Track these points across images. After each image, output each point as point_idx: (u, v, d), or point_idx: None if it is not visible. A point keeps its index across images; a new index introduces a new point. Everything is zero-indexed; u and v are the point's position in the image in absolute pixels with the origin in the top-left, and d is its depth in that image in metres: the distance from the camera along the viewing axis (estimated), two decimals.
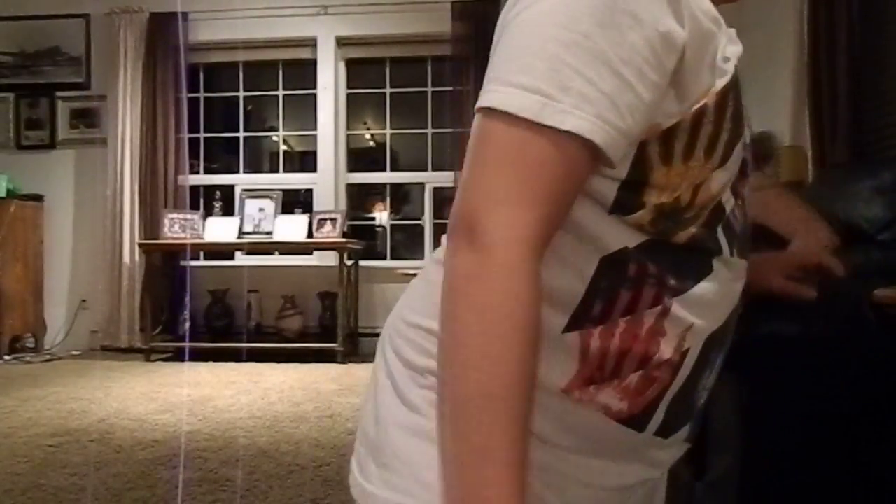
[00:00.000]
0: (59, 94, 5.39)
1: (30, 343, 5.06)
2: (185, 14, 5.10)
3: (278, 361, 4.48)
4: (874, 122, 3.00)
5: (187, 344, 4.65)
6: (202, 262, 5.32)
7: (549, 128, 0.56)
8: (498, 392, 0.56)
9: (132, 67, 5.15)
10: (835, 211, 2.16)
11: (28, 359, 4.77)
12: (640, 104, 0.58)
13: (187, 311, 4.97)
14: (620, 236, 0.63)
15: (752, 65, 4.59)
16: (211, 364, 4.43)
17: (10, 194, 4.98)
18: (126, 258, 5.09)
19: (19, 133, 5.43)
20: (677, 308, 0.64)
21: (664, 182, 0.63)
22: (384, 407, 0.70)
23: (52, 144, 5.40)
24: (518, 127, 0.57)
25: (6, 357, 4.76)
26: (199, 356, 4.59)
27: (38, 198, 5.23)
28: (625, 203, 0.63)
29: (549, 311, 0.62)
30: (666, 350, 0.64)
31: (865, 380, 1.24)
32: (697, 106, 0.62)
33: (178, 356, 4.73)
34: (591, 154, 0.58)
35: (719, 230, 0.67)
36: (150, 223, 5.09)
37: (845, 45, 3.02)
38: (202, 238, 4.90)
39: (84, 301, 5.31)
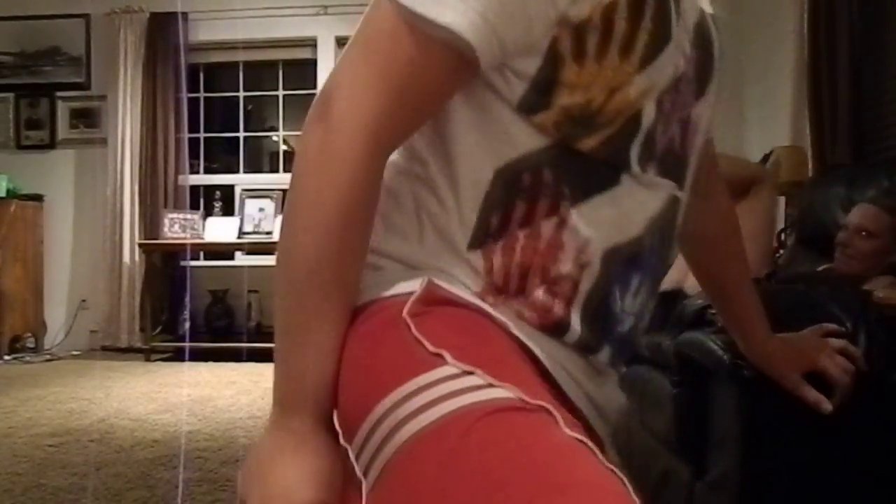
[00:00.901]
0: (59, 94, 5.39)
1: (30, 343, 5.06)
2: (185, 14, 5.10)
3: None
4: (874, 122, 3.00)
5: (187, 344, 4.65)
6: (202, 262, 5.32)
7: (427, 21, 0.57)
8: (312, 267, 0.61)
9: (132, 67, 5.14)
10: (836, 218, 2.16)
11: (28, 359, 4.77)
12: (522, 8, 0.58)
13: (187, 311, 4.97)
14: (524, 138, 0.63)
15: (752, 65, 4.60)
16: (211, 364, 4.43)
17: (10, 194, 4.98)
18: (126, 258, 5.09)
19: (19, 133, 5.43)
20: (576, 219, 0.64)
21: (575, 81, 0.61)
22: None
23: (52, 144, 5.40)
24: (399, 17, 0.58)
25: (6, 357, 4.75)
26: (199, 356, 4.58)
27: (38, 198, 5.23)
28: (531, 102, 0.62)
29: (455, 228, 0.65)
30: (565, 264, 0.64)
31: (866, 382, 1.24)
32: (607, 0, 0.60)
33: (178, 356, 4.73)
34: (460, 57, 0.59)
35: (635, 144, 0.64)
36: (150, 223, 5.09)
37: (846, 45, 3.02)
38: (202, 238, 4.89)
39: (84, 301, 5.31)
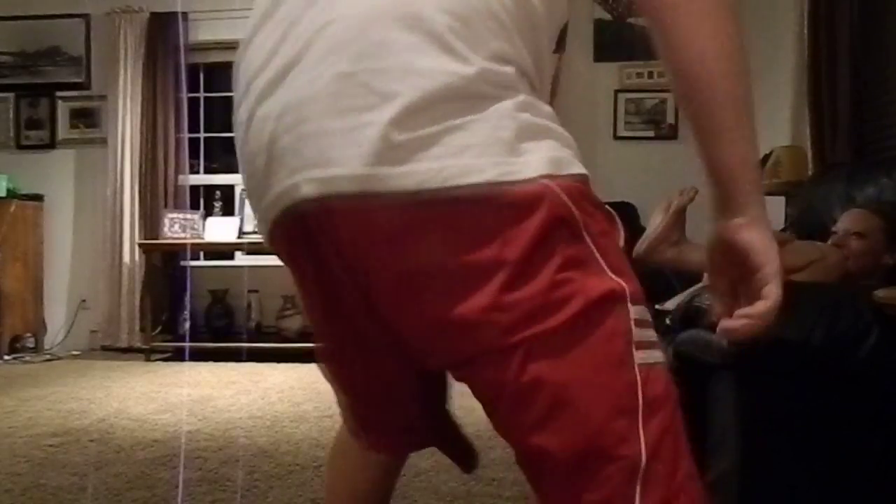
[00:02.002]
0: (59, 94, 5.39)
1: (30, 343, 5.06)
2: (185, 14, 5.09)
3: (278, 361, 4.48)
4: (874, 122, 3.00)
5: (187, 344, 4.64)
6: (202, 262, 5.32)
7: None
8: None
9: (132, 67, 5.14)
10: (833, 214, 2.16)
11: (28, 359, 4.77)
12: None
13: (187, 311, 4.97)
14: None
15: (752, 65, 4.59)
16: (211, 364, 4.43)
17: (10, 194, 4.98)
18: (126, 258, 5.09)
19: (19, 133, 5.42)
20: None
21: None
22: None
23: (52, 144, 5.39)
24: None
25: (6, 357, 4.75)
26: (199, 356, 4.58)
27: (38, 198, 5.23)
28: None
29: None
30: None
31: (866, 381, 1.24)
32: None
33: (178, 356, 4.72)
34: None
35: None
36: (150, 223, 5.09)
37: (846, 44, 3.02)
38: (202, 238, 4.89)
39: (84, 301, 5.31)
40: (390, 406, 0.89)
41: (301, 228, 0.70)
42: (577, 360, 0.65)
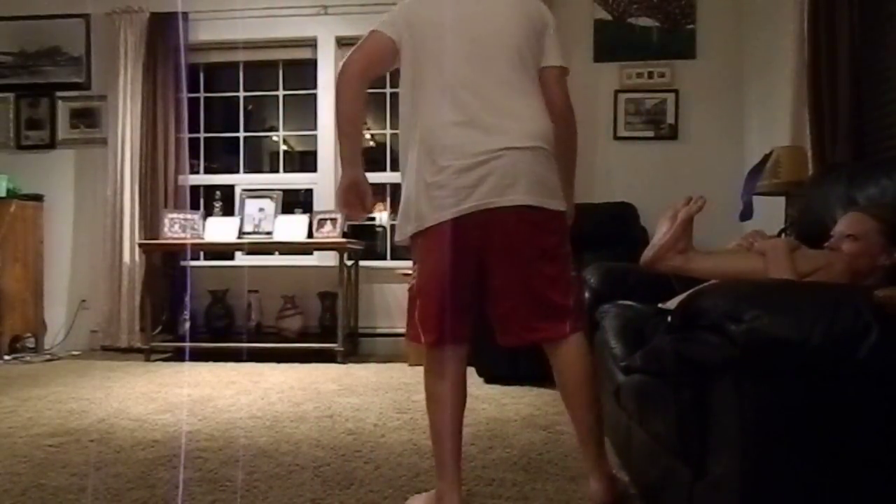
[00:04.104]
0: (59, 94, 5.39)
1: (30, 343, 5.06)
2: (185, 14, 5.10)
3: (278, 361, 4.48)
4: (875, 122, 3.00)
5: (187, 344, 4.65)
6: (202, 262, 5.32)
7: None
8: (340, 121, 1.89)
9: (132, 67, 5.15)
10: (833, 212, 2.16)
11: (28, 359, 4.77)
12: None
13: (187, 311, 4.97)
14: None
15: (752, 65, 4.60)
16: (211, 364, 4.43)
17: (10, 194, 4.98)
18: (126, 258, 5.09)
19: (19, 133, 5.43)
20: None
21: None
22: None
23: (52, 144, 5.40)
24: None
25: (6, 357, 4.76)
26: (199, 356, 4.59)
27: (38, 198, 5.23)
28: None
29: None
30: None
31: (866, 381, 1.24)
32: None
33: (178, 356, 4.73)
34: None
35: None
36: (150, 223, 5.09)
37: (846, 45, 3.02)
38: (202, 238, 4.90)
39: (84, 301, 5.31)
40: (468, 313, 1.86)
41: (469, 219, 1.76)
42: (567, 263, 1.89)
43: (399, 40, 1.86)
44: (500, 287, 1.82)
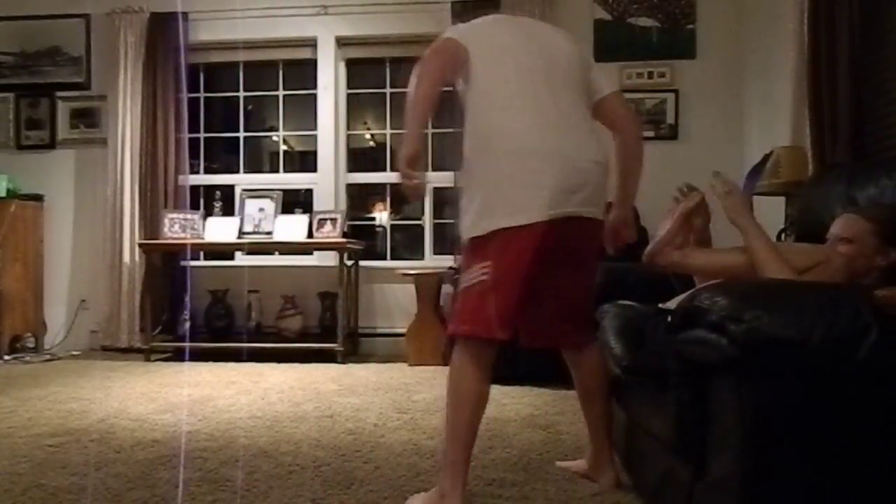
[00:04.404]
0: (59, 94, 5.39)
1: (30, 343, 5.06)
2: (185, 14, 5.10)
3: (278, 361, 4.48)
4: (875, 122, 3.00)
5: (187, 344, 4.65)
6: (202, 262, 5.32)
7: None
8: (419, 99, 1.83)
9: (132, 67, 5.15)
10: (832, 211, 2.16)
11: (28, 359, 4.77)
12: None
13: (187, 311, 4.97)
14: None
15: (752, 65, 4.60)
16: (211, 364, 4.43)
17: (10, 194, 4.98)
18: (126, 258, 5.09)
19: (19, 133, 5.43)
20: None
21: None
22: None
23: (52, 144, 5.40)
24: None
25: (6, 357, 4.76)
26: (199, 356, 4.59)
27: (38, 198, 5.23)
28: None
29: None
30: None
31: (865, 381, 1.24)
32: None
33: (178, 356, 4.73)
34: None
35: None
36: (150, 223, 5.09)
37: (846, 45, 3.02)
38: (202, 238, 4.90)
39: (84, 301, 5.31)
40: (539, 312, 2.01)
41: (561, 222, 1.83)
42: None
43: (471, 53, 1.91)
44: (554, 289, 1.95)
